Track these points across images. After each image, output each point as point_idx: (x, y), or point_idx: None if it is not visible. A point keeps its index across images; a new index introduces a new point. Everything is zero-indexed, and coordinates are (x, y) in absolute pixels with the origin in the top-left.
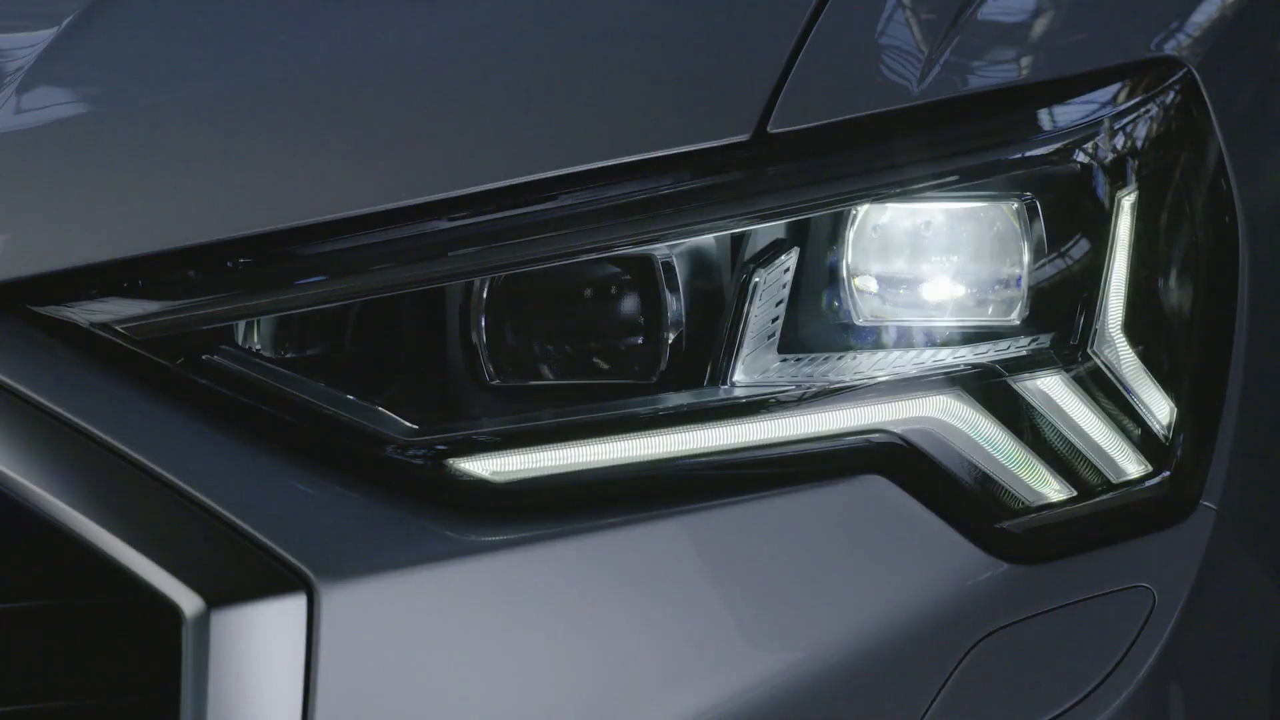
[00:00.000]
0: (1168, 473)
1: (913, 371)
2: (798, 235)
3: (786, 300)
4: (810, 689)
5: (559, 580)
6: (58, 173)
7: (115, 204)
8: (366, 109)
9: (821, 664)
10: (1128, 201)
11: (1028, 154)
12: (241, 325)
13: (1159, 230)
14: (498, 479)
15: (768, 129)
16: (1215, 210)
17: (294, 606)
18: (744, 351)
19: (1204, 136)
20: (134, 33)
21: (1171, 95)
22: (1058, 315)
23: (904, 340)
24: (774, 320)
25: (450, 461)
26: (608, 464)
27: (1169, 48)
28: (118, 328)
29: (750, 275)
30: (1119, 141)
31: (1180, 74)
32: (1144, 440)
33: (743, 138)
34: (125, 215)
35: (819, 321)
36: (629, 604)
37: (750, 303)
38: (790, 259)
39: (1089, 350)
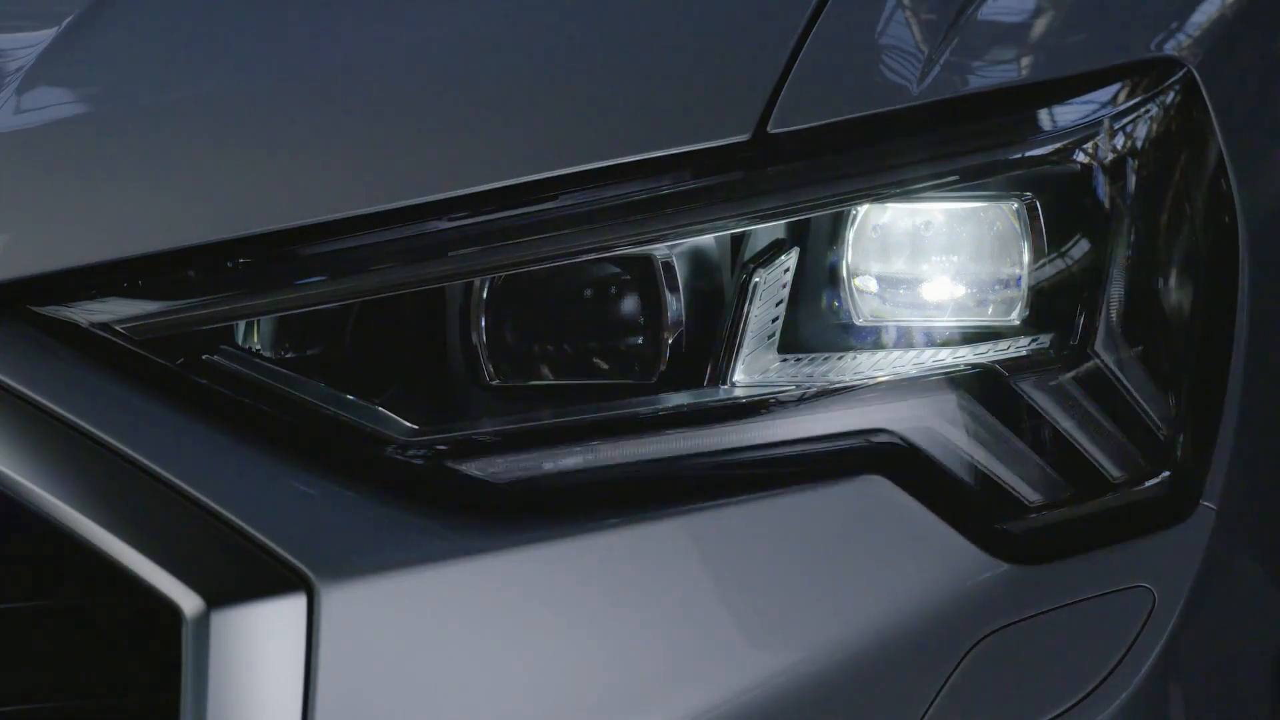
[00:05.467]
0: (1168, 473)
1: (913, 371)
2: (798, 235)
3: (786, 300)
4: (810, 689)
5: (559, 580)
6: (58, 173)
7: (115, 204)
8: (366, 109)
9: (821, 664)
10: (1128, 201)
11: (1028, 154)
12: (241, 325)
13: (1159, 230)
14: (498, 479)
15: (768, 129)
16: (1215, 210)
17: (294, 606)
18: (744, 351)
19: (1204, 136)
20: (134, 33)
21: (1171, 95)
22: (1058, 315)
23: (904, 340)
24: (774, 320)
25: (450, 462)
26: (608, 464)
27: (1169, 48)
28: (118, 328)
29: (750, 275)
30: (1119, 141)
31: (1180, 74)
32: (1144, 440)
33: (743, 138)
34: (125, 215)
35: (819, 321)
36: (629, 604)
37: (750, 303)
38: (790, 259)
39: (1089, 350)
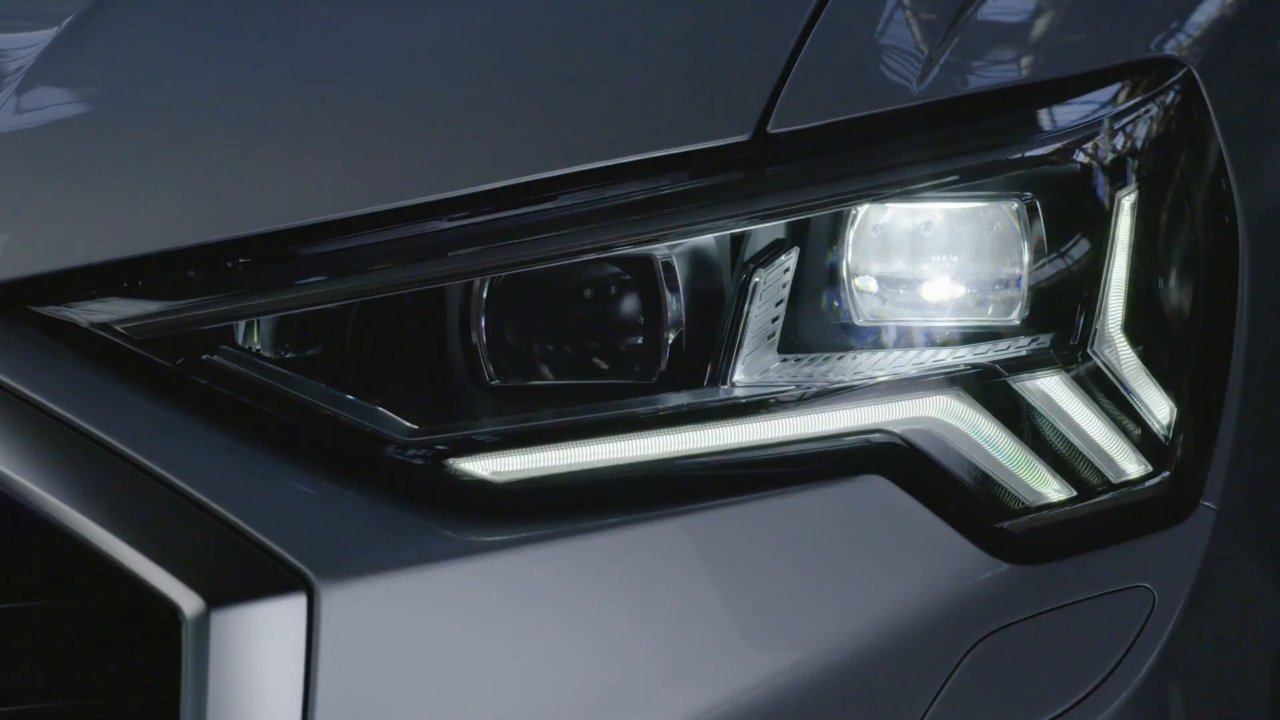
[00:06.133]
0: (1168, 473)
1: (913, 371)
2: (798, 235)
3: (786, 300)
4: (810, 689)
5: (559, 580)
6: (58, 172)
7: (115, 204)
8: (366, 109)
9: (822, 664)
10: (1128, 201)
11: (1028, 154)
12: (241, 325)
13: (1159, 230)
14: (498, 479)
15: (768, 129)
16: (1215, 210)
17: (294, 606)
18: (744, 351)
19: (1204, 136)
20: (133, 33)
21: (1171, 95)
22: (1058, 315)
23: (904, 340)
24: (774, 320)
25: (450, 461)
26: (608, 464)
27: (1169, 48)
28: (118, 328)
29: (750, 275)
30: (1119, 141)
31: (1180, 74)
32: (1144, 440)
33: (743, 138)
34: (125, 215)
35: (819, 321)
36: (629, 604)
37: (750, 303)
38: (790, 259)
39: (1089, 350)
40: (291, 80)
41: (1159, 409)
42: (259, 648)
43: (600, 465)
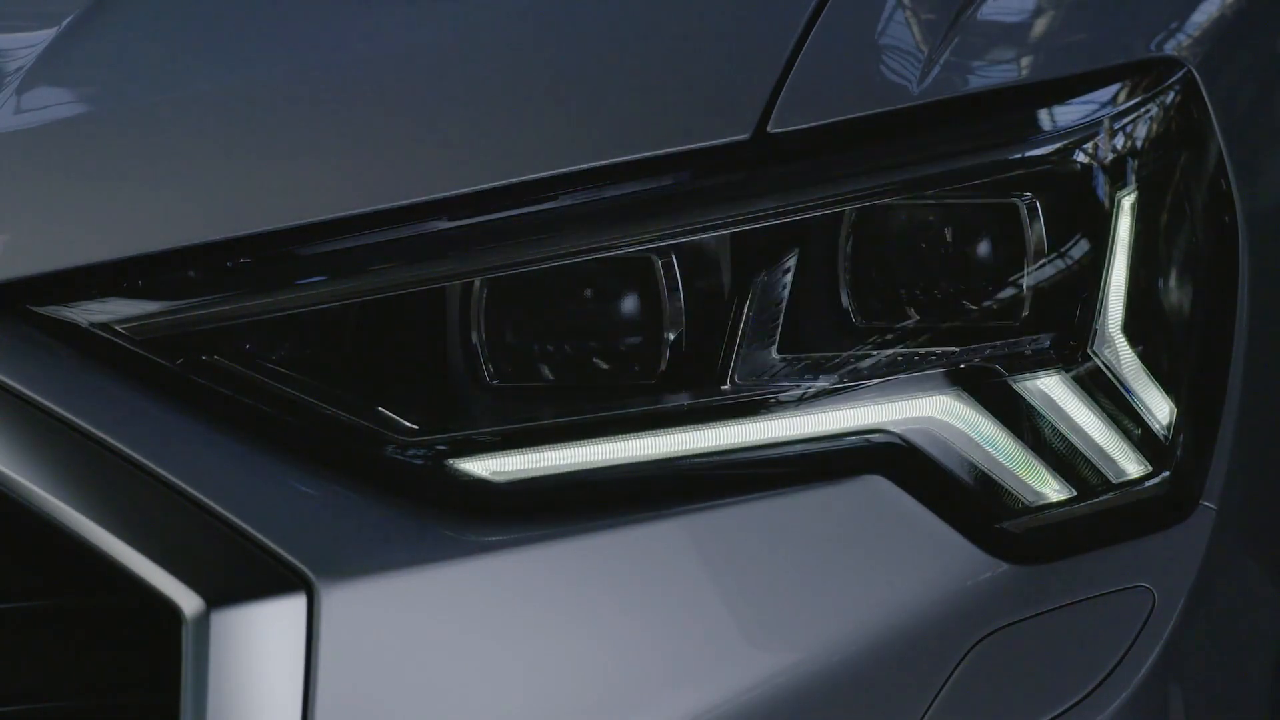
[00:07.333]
0: (1168, 473)
1: (913, 372)
2: (798, 235)
3: (786, 300)
4: (810, 689)
5: (559, 580)
6: (58, 173)
7: (115, 204)
8: (366, 109)
9: (821, 664)
10: (1128, 201)
11: (1028, 154)
12: (241, 325)
13: (1159, 230)
14: (498, 479)
15: (768, 129)
16: (1215, 210)
17: (294, 606)
18: (744, 351)
19: (1204, 136)
20: (133, 33)
21: (1171, 95)
22: (1058, 315)
23: (904, 340)
24: (774, 320)
25: (450, 461)
26: (608, 464)
27: (1169, 48)
28: (118, 328)
29: (750, 275)
30: (1119, 141)
31: (1180, 74)
32: (1144, 440)
33: (743, 138)
34: (125, 215)
35: (819, 321)
36: (629, 604)
37: (750, 303)
38: (790, 259)
39: (1089, 350)
40: (291, 80)
41: (1159, 409)
42: (259, 648)
43: (600, 465)
